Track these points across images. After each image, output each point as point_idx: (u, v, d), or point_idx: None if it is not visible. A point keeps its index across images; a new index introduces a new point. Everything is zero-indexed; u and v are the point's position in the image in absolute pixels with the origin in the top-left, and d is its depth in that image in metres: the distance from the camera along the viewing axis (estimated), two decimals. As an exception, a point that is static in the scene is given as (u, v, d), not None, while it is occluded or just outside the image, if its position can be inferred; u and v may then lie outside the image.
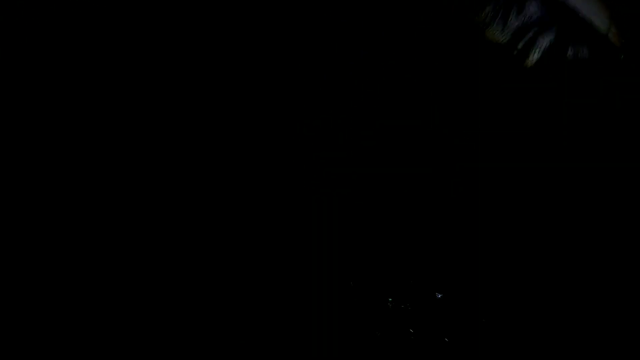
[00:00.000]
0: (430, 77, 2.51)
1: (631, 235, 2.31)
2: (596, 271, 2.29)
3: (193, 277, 2.28)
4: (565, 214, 2.35)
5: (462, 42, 2.51)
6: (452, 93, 2.49)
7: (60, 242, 2.27)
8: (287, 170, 2.40)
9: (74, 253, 2.27)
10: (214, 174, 2.38)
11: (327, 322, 2.24)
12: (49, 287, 2.22)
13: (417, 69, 2.51)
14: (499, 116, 2.44)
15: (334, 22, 2.54)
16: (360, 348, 2.23)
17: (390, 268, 2.33)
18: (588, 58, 2.15)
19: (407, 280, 2.31)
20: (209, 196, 2.36)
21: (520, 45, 2.19)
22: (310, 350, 2.21)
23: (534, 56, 2.19)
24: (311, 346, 2.22)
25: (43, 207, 2.31)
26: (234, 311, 2.25)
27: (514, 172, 2.41)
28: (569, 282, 2.26)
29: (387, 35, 2.54)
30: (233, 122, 2.45)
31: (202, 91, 2.47)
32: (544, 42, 2.16)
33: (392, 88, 2.49)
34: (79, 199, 2.32)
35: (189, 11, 2.51)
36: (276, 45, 2.52)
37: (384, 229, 2.37)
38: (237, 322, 2.24)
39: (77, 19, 2.47)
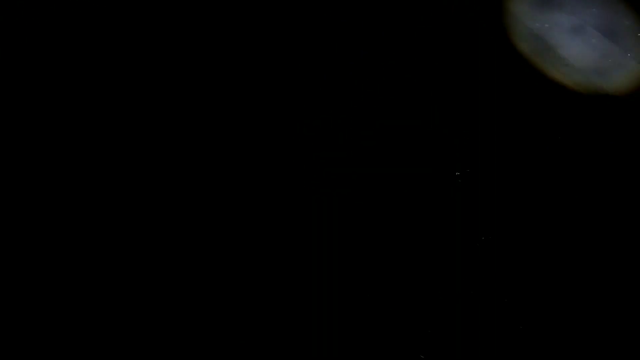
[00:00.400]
0: (430, 77, 2.51)
1: None
2: None
3: (193, 276, 2.27)
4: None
5: (462, 42, 2.51)
6: (452, 93, 2.49)
7: (60, 242, 2.27)
8: (287, 170, 2.39)
9: (74, 253, 2.26)
10: (214, 173, 2.38)
11: (327, 322, 2.24)
12: (49, 287, 2.22)
13: (417, 69, 2.51)
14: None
15: (334, 22, 2.54)
16: (360, 348, 2.23)
17: (390, 268, 2.33)
18: None
19: (406, 279, 2.31)
20: (209, 196, 2.36)
21: None
22: (310, 350, 2.21)
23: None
24: (311, 346, 2.21)
25: (43, 207, 2.30)
26: (233, 311, 2.25)
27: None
28: None
29: (387, 35, 2.53)
30: (233, 122, 2.45)
31: (202, 91, 2.47)
32: None
33: (392, 88, 2.49)
34: (79, 199, 2.32)
35: (190, 11, 2.51)
36: (276, 45, 2.52)
37: (383, 229, 2.37)
38: (237, 322, 2.23)
39: (77, 19, 2.47)
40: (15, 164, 2.33)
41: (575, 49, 2.24)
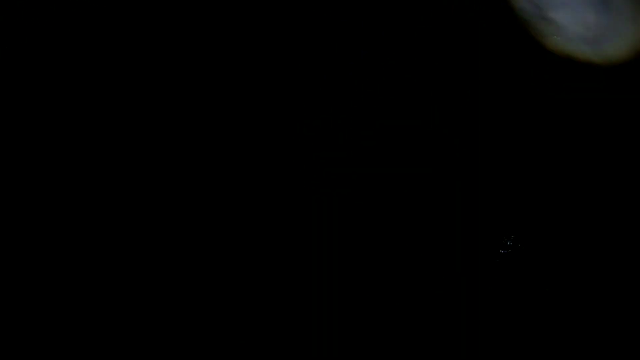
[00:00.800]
0: (430, 77, 2.51)
1: None
2: None
3: (193, 276, 2.28)
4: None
5: (462, 42, 2.51)
6: (452, 93, 2.49)
7: (60, 242, 2.27)
8: (287, 170, 2.40)
9: (74, 253, 2.27)
10: (214, 173, 2.38)
11: (327, 322, 2.24)
12: (49, 287, 2.22)
13: (417, 69, 2.51)
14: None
15: (334, 22, 2.54)
16: (360, 348, 2.23)
17: (390, 268, 2.33)
18: None
19: (406, 280, 2.31)
20: (209, 196, 2.36)
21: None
22: (310, 349, 2.21)
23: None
24: (311, 346, 2.22)
25: (43, 207, 2.31)
26: (233, 311, 2.25)
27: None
28: None
29: (387, 35, 2.54)
30: (233, 122, 2.45)
31: (203, 91, 2.47)
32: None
33: (392, 88, 2.49)
34: (78, 199, 2.32)
35: (190, 12, 2.51)
36: (276, 45, 2.52)
37: (383, 228, 2.37)
38: (237, 322, 2.24)
39: (77, 19, 2.48)
40: (15, 164, 2.33)
41: (567, 18, 2.22)
